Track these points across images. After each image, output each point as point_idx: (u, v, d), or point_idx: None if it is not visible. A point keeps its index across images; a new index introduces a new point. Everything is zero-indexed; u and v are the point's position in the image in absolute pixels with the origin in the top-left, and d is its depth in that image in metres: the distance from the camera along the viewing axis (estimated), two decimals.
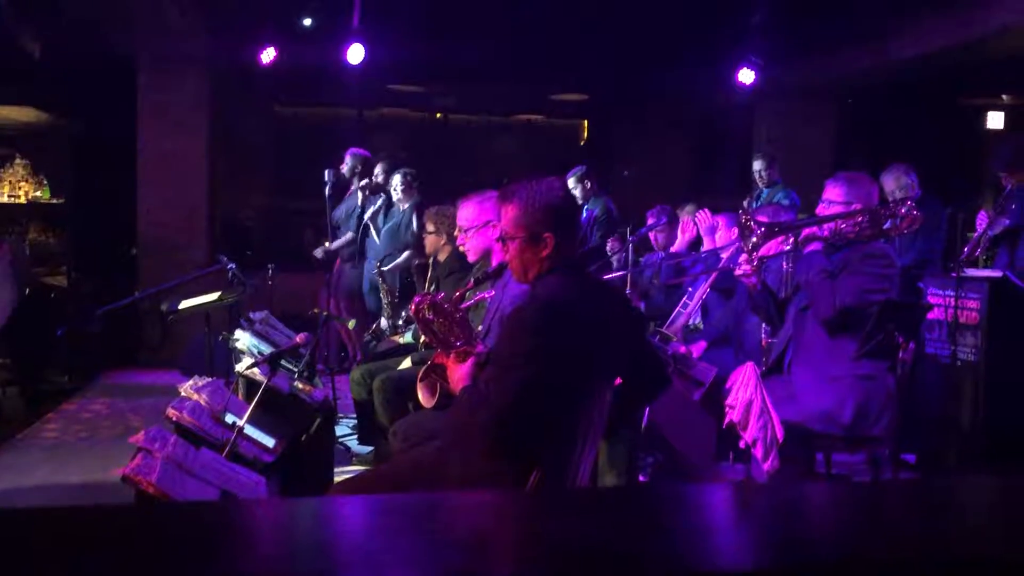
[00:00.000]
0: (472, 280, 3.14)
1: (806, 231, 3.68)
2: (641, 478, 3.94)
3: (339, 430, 5.38)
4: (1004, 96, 11.56)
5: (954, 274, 4.82)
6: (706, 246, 5.37)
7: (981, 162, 12.30)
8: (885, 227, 3.59)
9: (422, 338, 4.28)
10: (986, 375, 4.67)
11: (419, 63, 9.46)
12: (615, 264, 5.94)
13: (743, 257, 3.72)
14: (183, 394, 3.40)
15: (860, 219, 3.61)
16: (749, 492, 2.09)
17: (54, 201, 10.12)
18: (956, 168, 10.91)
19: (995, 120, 12.09)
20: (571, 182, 7.08)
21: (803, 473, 3.74)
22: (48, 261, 8.94)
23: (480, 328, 3.48)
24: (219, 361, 5.93)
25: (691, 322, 4.89)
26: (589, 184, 7.22)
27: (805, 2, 7.21)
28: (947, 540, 1.33)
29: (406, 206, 6.67)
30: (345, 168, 7.23)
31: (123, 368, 7.84)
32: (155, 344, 8.12)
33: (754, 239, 3.60)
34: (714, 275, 4.83)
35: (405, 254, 6.45)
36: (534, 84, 11.30)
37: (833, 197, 3.73)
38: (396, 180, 6.72)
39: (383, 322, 5.79)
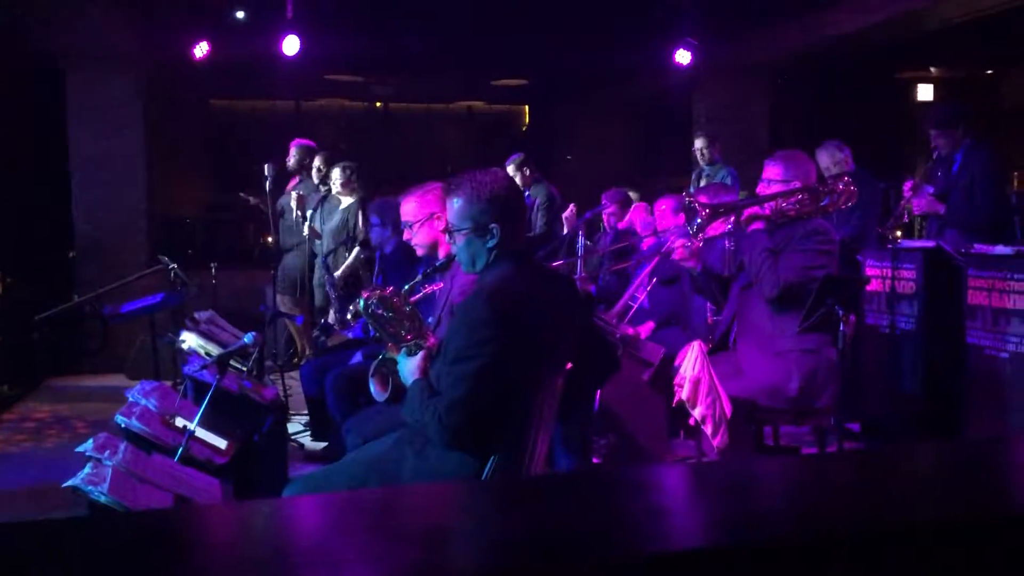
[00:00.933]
0: (421, 274, 3.13)
1: (748, 211, 3.75)
2: (595, 460, 3.99)
3: (291, 427, 5.35)
4: (932, 68, 11.86)
5: (890, 246, 4.94)
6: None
7: (913, 133, 12.63)
8: (824, 204, 3.67)
9: (372, 332, 4.26)
10: (923, 343, 4.81)
11: (356, 53, 9.39)
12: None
13: (680, 242, 3.77)
14: (131, 399, 3.34)
15: (800, 197, 3.69)
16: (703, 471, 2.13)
17: None
18: (889, 140, 11.18)
19: (925, 92, 12.42)
20: (510, 170, 7.06)
21: (752, 447, 3.83)
22: None
23: (430, 320, 3.48)
24: (164, 363, 5.86)
25: (632, 303, 4.95)
26: (528, 171, 7.23)
27: None
28: (892, 508, 1.38)
29: (350, 201, 6.61)
30: (292, 160, 7.12)
31: (65, 374, 7.67)
32: (97, 348, 7.94)
33: (699, 221, 3.66)
34: (654, 262, 4.88)
35: (354, 252, 6.41)
36: (474, 71, 11.28)
37: (772, 176, 3.80)
38: (336, 174, 6.64)
39: (331, 316, 5.76)
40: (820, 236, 3.69)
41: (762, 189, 3.83)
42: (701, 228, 3.66)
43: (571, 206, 6.75)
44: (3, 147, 9.64)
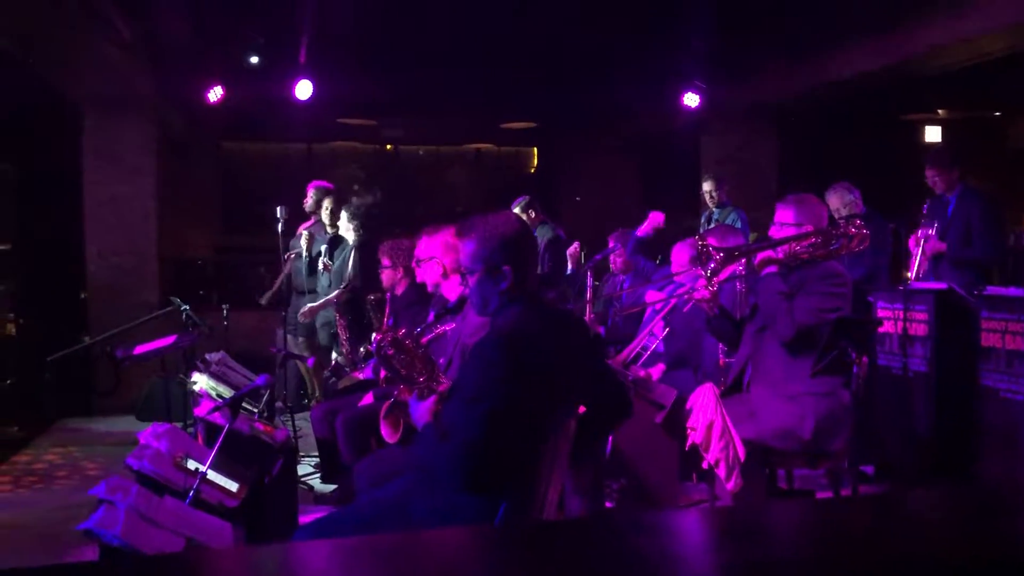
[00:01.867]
0: (432, 314, 3.15)
1: (761, 254, 3.75)
2: (608, 504, 3.96)
3: (301, 469, 5.33)
4: (940, 111, 11.92)
5: (902, 287, 4.94)
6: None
7: (921, 174, 12.64)
8: (836, 247, 3.67)
9: (382, 373, 4.27)
10: (937, 385, 4.78)
11: (367, 96, 9.50)
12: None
13: (700, 283, 3.78)
14: (142, 441, 3.34)
15: (812, 240, 3.69)
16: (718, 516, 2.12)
17: None
18: (897, 181, 11.20)
19: (932, 134, 12.45)
20: (516, 211, 7.13)
21: (766, 490, 3.80)
22: None
23: (442, 360, 3.49)
24: (175, 405, 5.86)
25: (647, 345, 4.94)
26: (534, 213, 7.28)
27: (744, 27, 7.39)
28: (907, 554, 1.37)
29: (349, 243, 6.65)
30: (309, 202, 7.14)
31: (76, 416, 7.67)
32: (108, 390, 7.95)
33: (712, 265, 3.66)
34: (669, 305, 4.89)
35: (334, 293, 6.45)
36: (483, 114, 11.39)
37: (784, 219, 3.82)
38: (344, 217, 6.69)
39: (335, 356, 5.77)
40: (834, 279, 3.69)
41: (774, 232, 3.84)
42: (715, 272, 3.66)
43: (575, 243, 6.79)
44: (19, 188, 9.76)
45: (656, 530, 1.66)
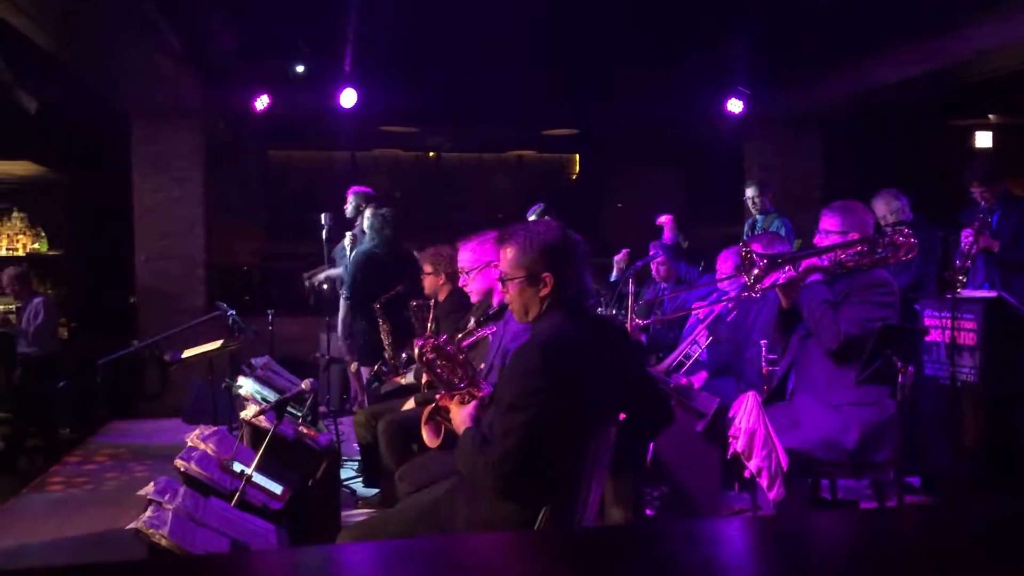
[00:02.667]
0: (473, 321, 3.17)
1: (806, 262, 3.71)
2: (648, 512, 3.94)
3: (343, 473, 5.38)
4: (991, 115, 11.69)
5: (949, 296, 4.86)
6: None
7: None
8: (883, 255, 3.62)
9: (424, 378, 4.30)
10: (985, 395, 4.69)
11: (411, 104, 9.58)
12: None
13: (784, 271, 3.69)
14: (190, 443, 3.41)
15: (859, 248, 3.64)
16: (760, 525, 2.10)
17: (52, 253, 10.18)
18: (946, 188, 11.00)
19: (983, 139, 12.21)
20: (532, 219, 7.06)
21: (809, 500, 3.75)
22: None
23: (483, 366, 3.50)
24: (221, 408, 5.95)
25: (690, 353, 4.91)
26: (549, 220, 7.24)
27: (789, 31, 7.33)
28: (954, 567, 1.35)
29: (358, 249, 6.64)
30: (349, 207, 7.17)
31: (125, 418, 7.83)
32: (156, 393, 8.11)
33: (756, 271, 3.63)
34: (711, 317, 4.86)
35: (326, 272, 6.52)
36: (525, 120, 11.42)
37: (830, 227, 3.77)
38: (365, 222, 6.68)
39: (380, 364, 5.81)
40: (881, 288, 3.63)
41: (819, 240, 3.80)
42: (759, 279, 3.62)
43: (624, 251, 6.76)
44: (70, 197, 10.01)
45: (698, 538, 1.66)
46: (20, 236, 10.23)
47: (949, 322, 4.82)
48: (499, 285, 3.38)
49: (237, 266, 10.58)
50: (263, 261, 11.21)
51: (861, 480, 4.18)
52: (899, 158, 10.33)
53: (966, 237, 5.34)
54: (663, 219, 6.63)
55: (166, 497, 2.69)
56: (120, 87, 8.07)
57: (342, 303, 6.71)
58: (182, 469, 3.09)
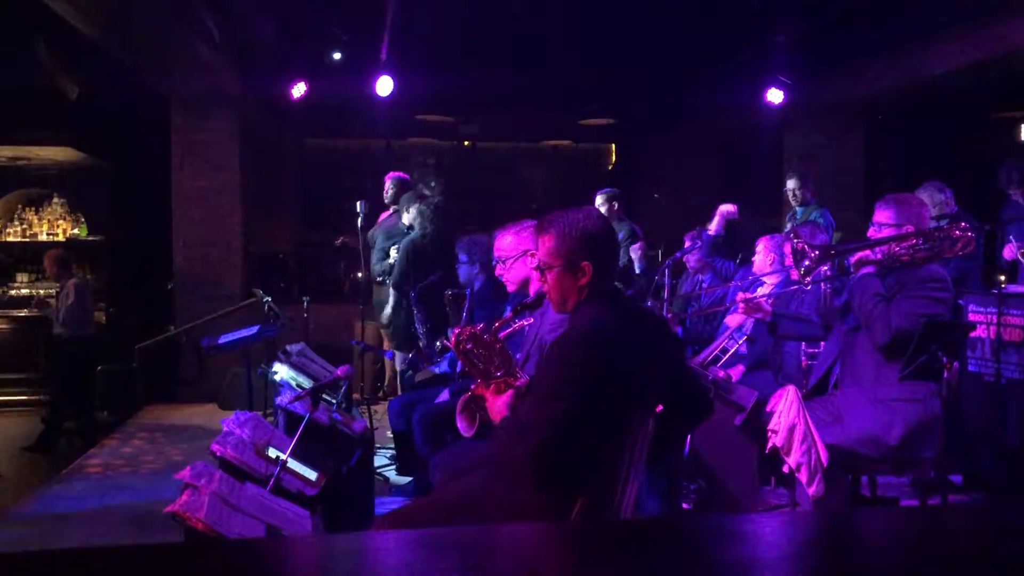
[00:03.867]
0: (510, 310, 3.14)
1: (858, 254, 3.63)
2: (684, 505, 3.90)
3: (377, 461, 5.39)
4: None
5: (995, 291, 4.75)
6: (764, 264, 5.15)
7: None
8: (939, 249, 3.53)
9: (459, 367, 4.29)
10: None
11: (447, 93, 9.56)
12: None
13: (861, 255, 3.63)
14: (225, 429, 3.42)
15: (913, 242, 3.55)
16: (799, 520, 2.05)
17: (91, 239, 10.31)
18: (989, 181, 10.78)
19: None
20: (599, 200, 7.10)
21: (848, 497, 3.69)
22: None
23: (518, 356, 3.48)
24: (257, 393, 6.00)
25: (728, 346, 4.85)
26: (616, 206, 7.21)
27: (831, 20, 7.19)
28: (1001, 568, 1.31)
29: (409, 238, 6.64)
30: (388, 193, 7.19)
31: (162, 402, 7.92)
32: (193, 378, 8.20)
33: (807, 263, 3.56)
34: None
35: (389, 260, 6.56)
36: (561, 110, 11.35)
37: (884, 220, 3.68)
38: (412, 211, 6.70)
39: (415, 353, 5.82)
40: (936, 283, 3.53)
41: (872, 233, 3.71)
42: (810, 270, 3.55)
43: (639, 243, 6.74)
44: (111, 184, 10.12)
45: (736, 533, 1.62)
46: (60, 222, 10.37)
47: (995, 318, 4.72)
48: (535, 274, 3.35)
49: (274, 253, 10.64)
50: (299, 248, 11.28)
51: (902, 477, 4.11)
52: (941, 150, 10.13)
53: (1010, 253, 5.22)
54: (727, 208, 6.48)
55: (202, 481, 2.70)
56: (160, 74, 8.14)
57: (388, 291, 6.71)
58: (218, 454, 3.11)
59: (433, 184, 9.02)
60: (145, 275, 9.55)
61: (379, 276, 6.84)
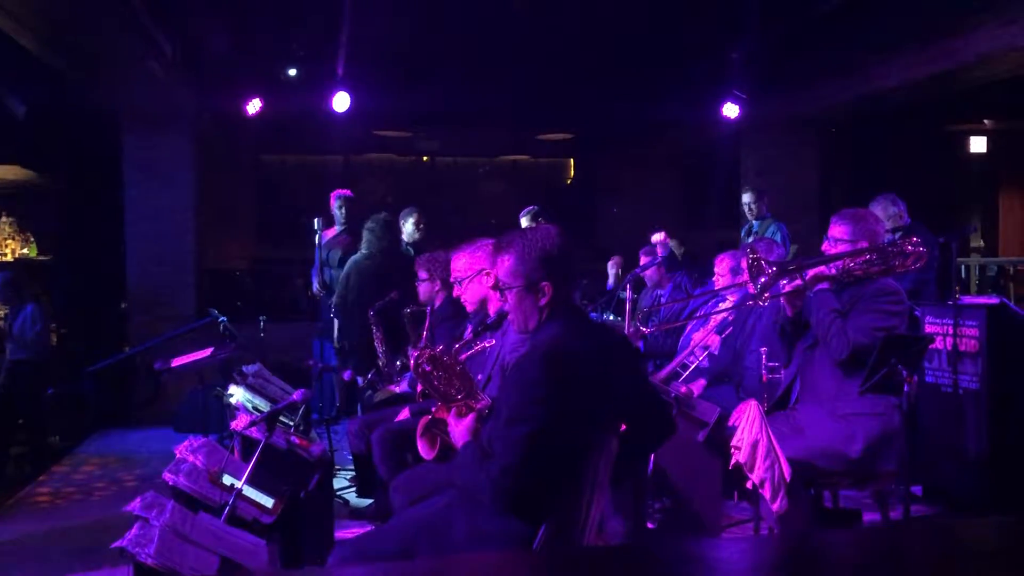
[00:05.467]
0: (471, 332, 3.09)
1: (814, 270, 3.66)
2: (649, 525, 3.87)
3: (337, 483, 5.29)
4: (986, 121, 11.67)
5: (951, 302, 4.80)
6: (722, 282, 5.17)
7: (966, 186, 12.40)
8: (893, 264, 3.56)
9: (419, 387, 4.22)
10: (988, 403, 4.63)
11: (404, 109, 9.51)
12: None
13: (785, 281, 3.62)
14: (178, 456, 3.32)
15: (868, 257, 3.58)
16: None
17: (42, 258, 10.06)
18: (941, 193, 10.98)
19: (977, 144, 12.20)
20: (524, 221, 7.02)
21: (811, 511, 3.68)
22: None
23: (480, 377, 3.43)
24: (213, 416, 5.87)
25: (689, 362, 4.85)
26: (543, 222, 7.17)
27: (786, 36, 7.28)
28: None
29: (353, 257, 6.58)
30: (336, 212, 7.18)
31: (115, 426, 7.72)
32: (147, 400, 8.01)
33: (764, 279, 3.57)
34: (712, 323, 4.79)
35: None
36: (519, 125, 11.36)
37: (839, 235, 3.71)
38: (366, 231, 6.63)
39: (373, 372, 5.74)
40: (890, 296, 3.58)
41: (828, 248, 3.74)
42: (767, 287, 3.56)
43: (616, 257, 6.73)
44: (61, 202, 9.90)
45: (701, 560, 1.59)
46: (9, 241, 10.11)
47: (951, 329, 4.77)
48: (493, 294, 3.30)
49: (230, 271, 10.49)
50: (256, 265, 11.13)
51: (864, 490, 4.12)
52: (895, 162, 10.30)
53: None
54: (657, 236, 6.57)
55: (153, 513, 2.60)
56: (110, 92, 7.99)
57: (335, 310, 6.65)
58: (170, 483, 3.01)
59: (391, 200, 8.98)
60: (97, 295, 9.33)
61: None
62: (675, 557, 1.60)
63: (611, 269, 6.74)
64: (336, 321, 6.59)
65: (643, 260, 6.42)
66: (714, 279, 5.23)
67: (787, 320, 3.77)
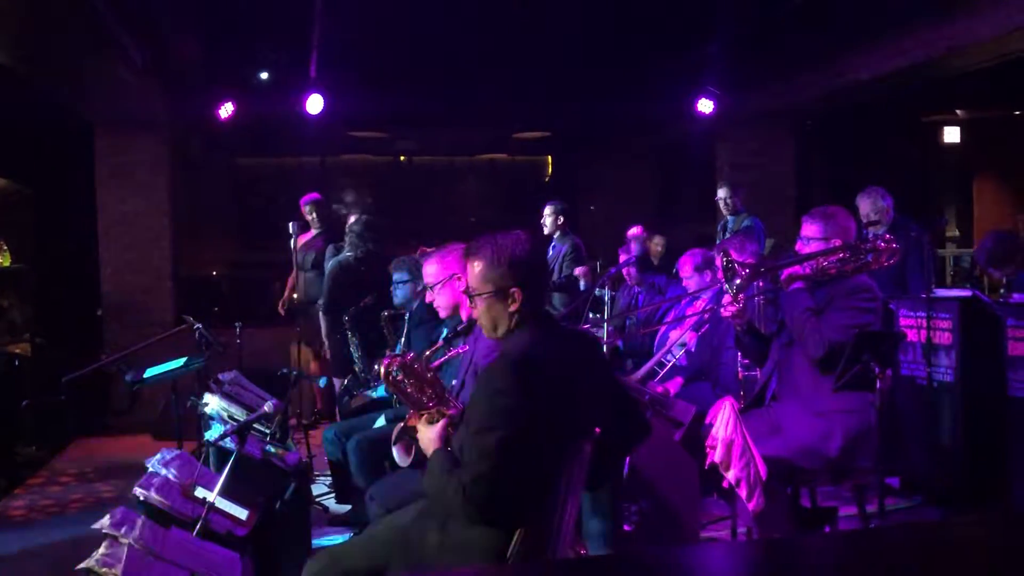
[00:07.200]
0: (443, 339, 3.08)
1: (788, 270, 3.66)
2: (626, 527, 3.87)
3: (316, 489, 5.26)
4: (959, 111, 11.76)
5: (924, 295, 4.83)
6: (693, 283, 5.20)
7: (940, 176, 12.50)
8: (866, 261, 3.57)
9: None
10: (962, 395, 4.66)
11: (379, 109, 9.46)
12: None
13: (727, 299, 3.66)
14: (151, 469, 3.28)
15: (841, 255, 3.59)
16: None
17: (15, 267, 9.94)
18: (916, 184, 11.06)
19: (952, 135, 12.29)
20: (547, 211, 7.16)
21: (789, 508, 3.69)
22: (11, 329, 8.74)
23: (454, 383, 3.41)
24: (189, 424, 5.81)
25: (665, 361, 4.85)
26: (562, 220, 7.22)
27: (758, 30, 7.29)
28: None
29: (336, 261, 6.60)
30: (309, 217, 7.23)
31: (92, 435, 7.64)
32: (124, 409, 7.94)
33: (738, 281, 3.57)
34: (688, 322, 4.80)
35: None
36: (496, 124, 11.33)
37: (811, 234, 3.72)
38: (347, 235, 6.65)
39: (349, 379, 5.72)
40: (864, 293, 3.58)
41: (801, 247, 3.74)
42: (742, 288, 3.56)
43: (584, 268, 6.77)
44: (35, 209, 9.79)
45: (679, 568, 1.58)
46: None
47: (925, 322, 4.79)
48: (465, 298, 3.28)
49: (206, 275, 10.41)
50: (233, 269, 11.06)
51: (840, 486, 4.14)
52: (871, 154, 10.36)
53: None
54: (633, 231, 6.60)
55: (123, 530, 2.57)
56: (82, 99, 7.90)
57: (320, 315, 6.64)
58: (142, 498, 2.97)
59: (369, 201, 8.96)
60: (72, 303, 9.24)
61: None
62: (651, 567, 1.58)
63: (580, 275, 6.77)
64: (323, 323, 6.64)
65: (622, 257, 6.43)
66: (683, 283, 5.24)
67: (741, 332, 3.78)
